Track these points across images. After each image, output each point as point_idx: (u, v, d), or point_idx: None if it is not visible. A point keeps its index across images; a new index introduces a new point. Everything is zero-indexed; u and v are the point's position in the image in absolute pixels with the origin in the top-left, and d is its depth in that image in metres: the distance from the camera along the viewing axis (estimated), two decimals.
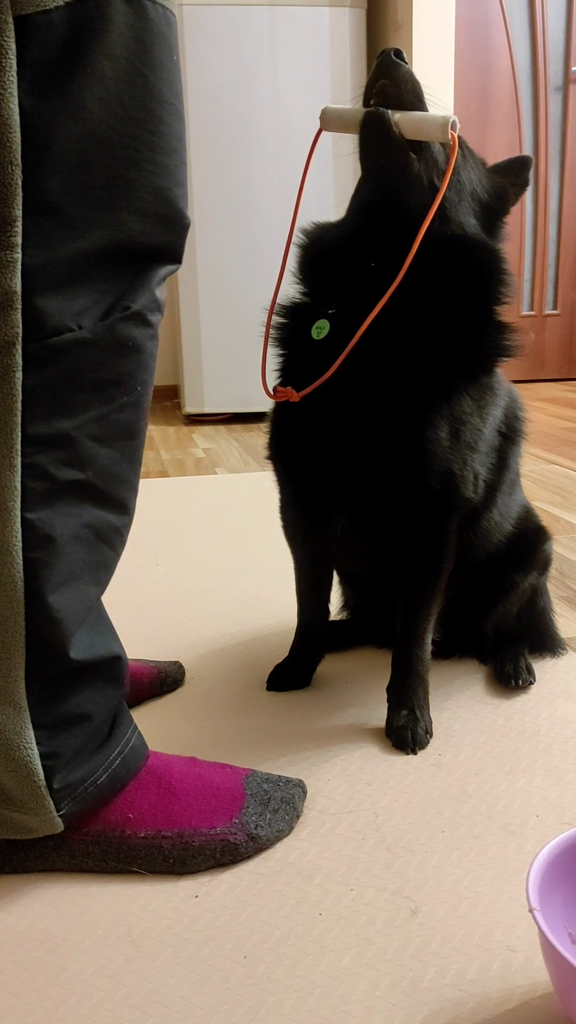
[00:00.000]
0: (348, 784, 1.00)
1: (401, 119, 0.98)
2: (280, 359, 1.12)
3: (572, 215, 3.90)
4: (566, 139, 3.79)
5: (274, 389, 1.09)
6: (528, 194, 3.79)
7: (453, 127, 0.96)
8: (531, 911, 0.65)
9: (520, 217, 3.82)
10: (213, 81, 3.14)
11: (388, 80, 0.98)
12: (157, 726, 1.14)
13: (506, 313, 1.09)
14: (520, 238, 3.85)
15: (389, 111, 0.98)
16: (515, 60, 3.64)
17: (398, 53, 0.98)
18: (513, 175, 1.13)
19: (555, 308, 4.00)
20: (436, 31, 3.25)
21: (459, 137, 1.01)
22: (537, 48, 3.65)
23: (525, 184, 1.14)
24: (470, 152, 1.09)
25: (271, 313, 1.12)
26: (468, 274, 1.04)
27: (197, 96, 3.15)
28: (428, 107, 1.01)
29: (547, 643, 1.31)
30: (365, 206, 1.06)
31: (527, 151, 3.74)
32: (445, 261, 1.02)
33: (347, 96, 3.23)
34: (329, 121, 1.04)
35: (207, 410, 3.40)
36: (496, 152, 3.70)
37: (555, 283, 3.98)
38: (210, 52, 3.11)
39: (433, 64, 3.27)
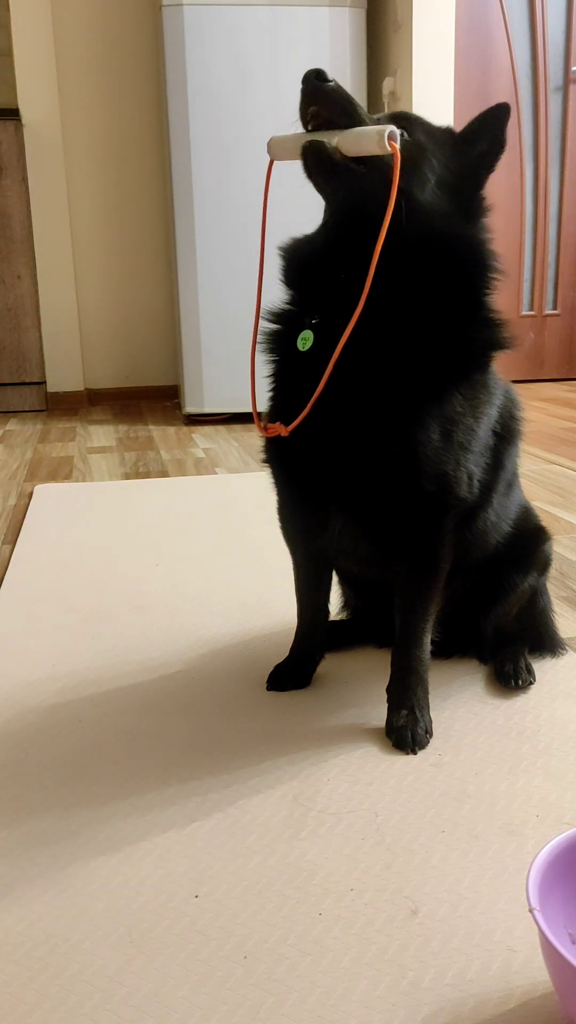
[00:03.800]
0: (348, 784, 1.00)
1: (340, 140, 0.97)
2: (270, 366, 1.12)
3: (572, 215, 3.90)
4: (566, 139, 3.79)
5: (265, 426, 1.10)
6: (528, 194, 3.79)
7: (392, 137, 0.95)
8: (531, 911, 0.65)
9: (520, 217, 3.82)
10: (213, 81, 3.14)
11: (317, 105, 0.97)
12: (157, 726, 1.14)
13: (506, 313, 1.09)
14: (520, 238, 3.85)
15: (326, 138, 0.97)
16: (515, 60, 3.64)
17: (320, 75, 0.96)
18: (488, 135, 1.06)
19: (555, 308, 4.00)
20: (436, 31, 3.25)
21: (414, 118, 1.01)
22: (537, 48, 3.65)
23: (500, 146, 1.06)
24: (428, 135, 1.04)
25: (256, 326, 1.12)
26: (447, 269, 1.03)
27: (197, 96, 3.15)
28: (363, 114, 0.99)
29: (547, 643, 1.31)
30: (331, 224, 1.07)
31: (527, 151, 3.74)
32: (420, 260, 1.02)
33: None
34: (276, 151, 1.04)
35: (207, 410, 3.40)
36: None
37: (555, 283, 3.98)
38: (210, 52, 3.11)
39: (433, 64, 3.27)
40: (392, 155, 0.95)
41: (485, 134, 1.06)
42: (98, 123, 3.78)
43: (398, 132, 0.97)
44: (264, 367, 1.13)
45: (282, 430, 1.07)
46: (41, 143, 3.69)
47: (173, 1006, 0.70)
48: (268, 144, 1.05)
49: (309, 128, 0.99)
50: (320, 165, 0.99)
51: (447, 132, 1.07)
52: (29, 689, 1.26)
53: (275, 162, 1.08)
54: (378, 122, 1.01)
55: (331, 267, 1.05)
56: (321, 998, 0.71)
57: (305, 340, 1.06)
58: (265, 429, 1.10)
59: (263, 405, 1.15)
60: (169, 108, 3.19)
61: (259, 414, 1.15)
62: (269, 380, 1.13)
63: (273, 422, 1.11)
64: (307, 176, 1.02)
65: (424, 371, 1.03)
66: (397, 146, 0.95)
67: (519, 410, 1.19)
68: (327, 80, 0.97)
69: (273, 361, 1.12)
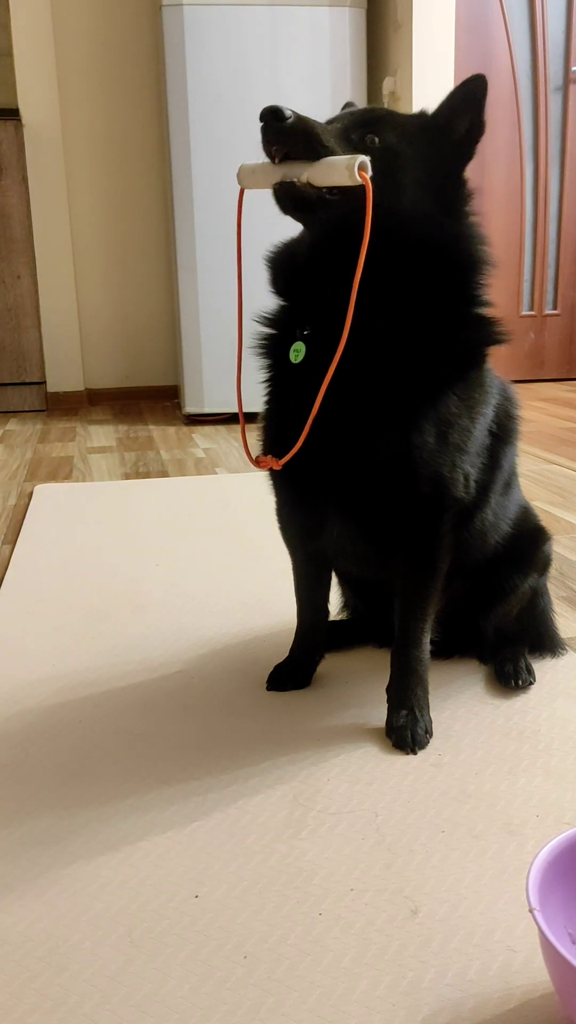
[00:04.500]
0: (348, 784, 1.00)
1: (310, 175, 0.96)
2: (265, 372, 1.13)
3: (572, 215, 3.90)
4: (566, 139, 3.79)
5: (257, 459, 1.10)
6: (528, 194, 3.79)
7: (362, 168, 0.93)
8: (531, 911, 0.65)
9: (520, 217, 3.82)
10: (213, 81, 3.14)
11: (278, 145, 0.96)
12: (157, 726, 1.14)
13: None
14: (520, 238, 3.85)
15: (295, 173, 0.96)
16: (515, 60, 3.64)
17: (276, 114, 0.93)
18: (467, 117, 1.01)
19: (555, 308, 3.99)
20: (436, 31, 3.25)
21: (384, 117, 1.00)
22: (537, 48, 3.65)
23: (479, 130, 1.01)
24: (400, 134, 1.01)
25: (240, 355, 1.12)
26: (434, 273, 1.03)
27: (197, 96, 3.15)
28: (329, 142, 0.97)
29: (547, 643, 1.31)
30: (312, 247, 1.06)
31: (527, 151, 3.74)
32: (406, 268, 1.02)
33: (347, 97, 3.23)
34: (246, 181, 1.03)
35: (207, 410, 3.41)
36: (496, 152, 3.70)
37: (555, 283, 3.97)
38: (210, 52, 3.11)
39: (433, 64, 3.27)
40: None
41: (463, 115, 1.01)
42: (98, 123, 3.78)
43: (368, 161, 0.94)
44: (259, 373, 1.13)
45: (274, 463, 1.07)
46: (41, 143, 3.69)
47: (173, 1006, 0.71)
48: (238, 173, 1.03)
49: (276, 161, 0.97)
50: (294, 204, 0.98)
51: (420, 120, 1.04)
52: (29, 689, 1.26)
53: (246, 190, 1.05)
54: (343, 131, 0.99)
55: (317, 282, 1.05)
56: (321, 998, 0.71)
57: (297, 352, 1.06)
58: (257, 462, 1.10)
59: (258, 407, 1.15)
60: (169, 108, 3.19)
61: (248, 417, 1.14)
62: (264, 386, 1.13)
63: (267, 434, 1.13)
64: (282, 212, 1.01)
65: (417, 375, 1.03)
66: (368, 175, 0.94)
67: (516, 408, 1.19)
68: (284, 118, 0.94)
69: (268, 367, 1.13)
